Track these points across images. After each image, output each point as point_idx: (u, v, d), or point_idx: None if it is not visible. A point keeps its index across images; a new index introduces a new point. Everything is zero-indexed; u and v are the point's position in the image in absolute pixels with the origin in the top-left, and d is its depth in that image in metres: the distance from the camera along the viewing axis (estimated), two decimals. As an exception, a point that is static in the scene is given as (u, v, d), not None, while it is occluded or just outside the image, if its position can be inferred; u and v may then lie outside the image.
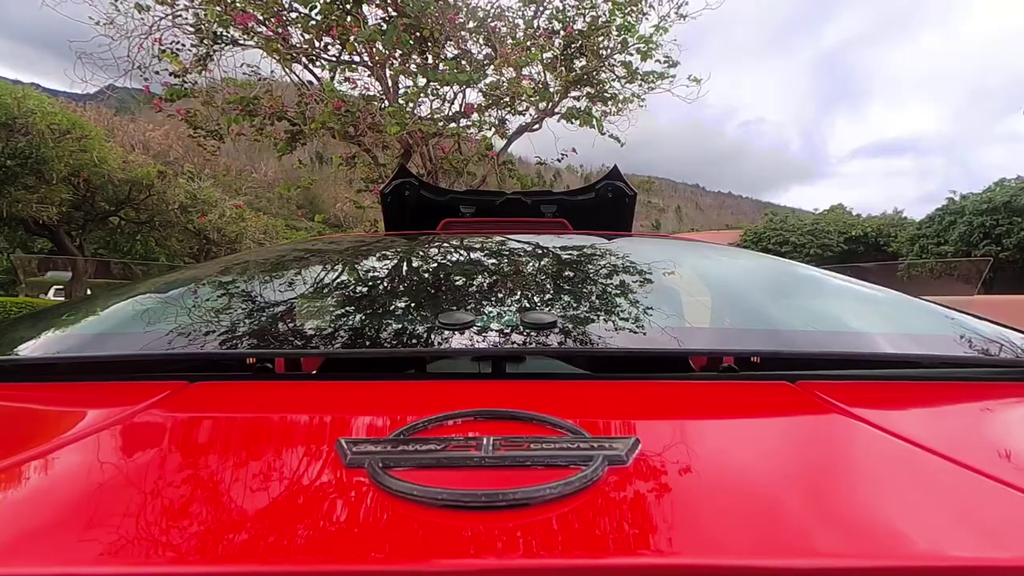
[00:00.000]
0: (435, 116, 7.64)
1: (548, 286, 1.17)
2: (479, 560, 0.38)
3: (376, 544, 0.39)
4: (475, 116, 7.84)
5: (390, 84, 7.76)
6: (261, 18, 6.69)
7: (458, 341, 0.84)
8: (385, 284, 1.22)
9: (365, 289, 1.21)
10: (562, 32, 7.69)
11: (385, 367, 1.09)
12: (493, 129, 8.09)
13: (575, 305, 1.04)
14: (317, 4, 6.83)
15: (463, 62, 7.42)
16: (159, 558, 0.38)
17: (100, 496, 0.46)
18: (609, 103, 8.18)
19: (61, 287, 19.87)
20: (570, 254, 1.45)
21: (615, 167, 2.25)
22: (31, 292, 19.98)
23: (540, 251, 1.45)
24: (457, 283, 1.22)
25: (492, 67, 7.39)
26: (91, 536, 0.41)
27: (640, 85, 8.19)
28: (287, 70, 7.39)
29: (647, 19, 7.74)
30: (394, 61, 7.34)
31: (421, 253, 1.47)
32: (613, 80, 8.13)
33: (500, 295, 1.09)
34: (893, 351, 0.91)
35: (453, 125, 7.76)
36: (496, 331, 0.89)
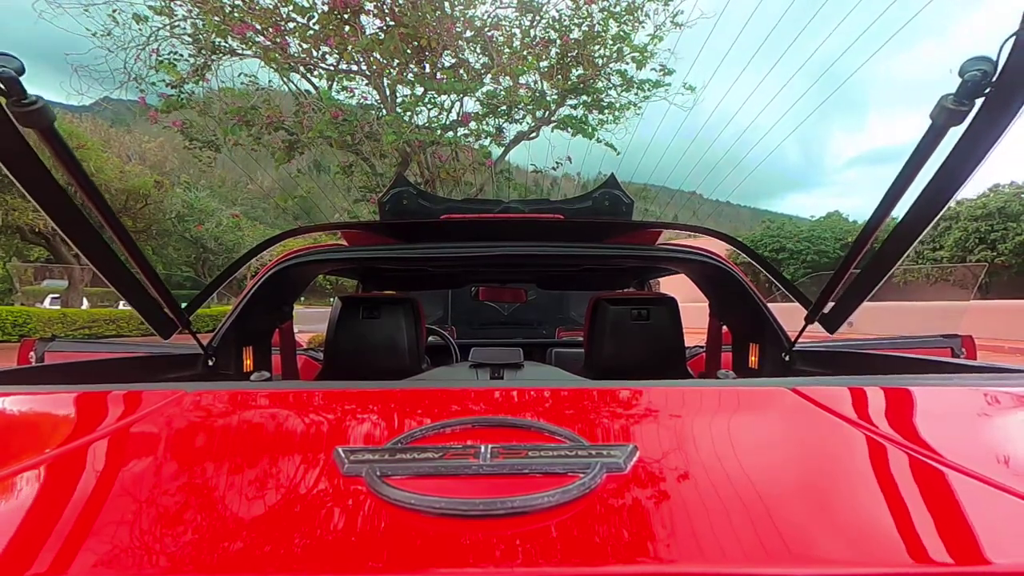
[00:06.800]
0: (432, 125, 7.67)
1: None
2: (477, 569, 0.38)
3: (374, 553, 0.39)
4: (472, 125, 7.88)
5: (388, 93, 7.80)
6: (259, 28, 6.72)
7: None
8: None
9: None
10: (558, 41, 7.75)
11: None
12: (490, 138, 8.13)
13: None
14: (315, 14, 6.87)
15: (460, 71, 7.46)
16: (156, 567, 0.38)
17: (97, 504, 0.46)
18: (606, 111, 8.24)
19: (57, 296, 19.79)
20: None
21: (612, 175, 2.26)
22: (27, 301, 19.90)
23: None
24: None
25: (489, 76, 7.44)
26: (88, 543, 0.40)
27: (636, 93, 8.26)
28: (285, 79, 7.42)
29: (643, 27, 7.81)
30: (392, 70, 7.37)
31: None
32: (609, 88, 8.19)
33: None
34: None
35: (450, 134, 7.79)
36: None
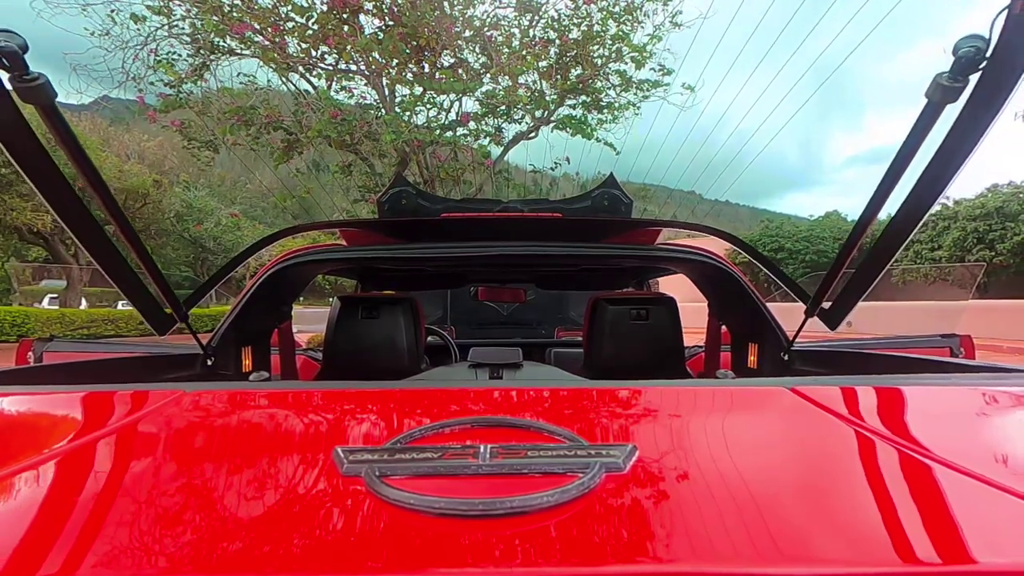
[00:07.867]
0: (431, 125, 7.67)
1: None
2: (477, 569, 0.38)
3: (373, 553, 0.39)
4: (472, 125, 7.88)
5: (386, 93, 7.80)
6: (258, 27, 6.71)
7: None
8: None
9: None
10: (557, 41, 7.75)
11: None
12: (489, 138, 8.13)
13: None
14: (314, 13, 6.86)
15: (459, 71, 7.46)
16: (155, 567, 0.38)
17: (96, 504, 0.46)
18: (605, 111, 8.24)
19: (55, 296, 19.75)
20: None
21: (611, 175, 2.26)
22: (25, 301, 19.85)
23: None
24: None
25: (488, 76, 7.43)
26: (87, 544, 0.40)
27: (635, 93, 8.26)
28: (284, 79, 7.42)
29: (642, 27, 7.82)
30: (390, 70, 7.37)
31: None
32: (608, 88, 8.20)
33: None
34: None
35: (449, 134, 7.78)
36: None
